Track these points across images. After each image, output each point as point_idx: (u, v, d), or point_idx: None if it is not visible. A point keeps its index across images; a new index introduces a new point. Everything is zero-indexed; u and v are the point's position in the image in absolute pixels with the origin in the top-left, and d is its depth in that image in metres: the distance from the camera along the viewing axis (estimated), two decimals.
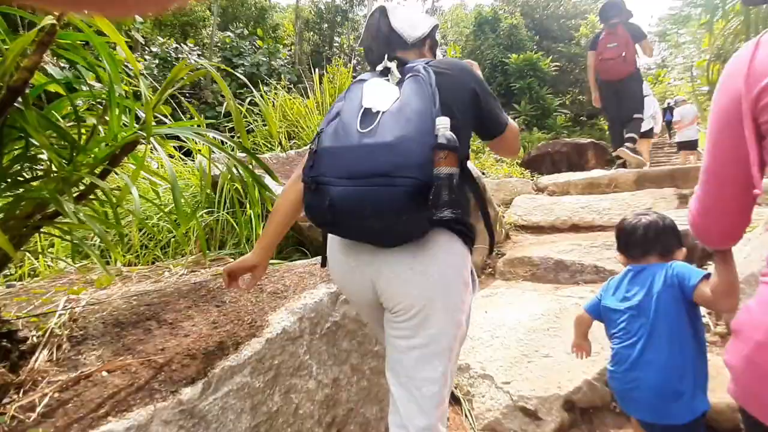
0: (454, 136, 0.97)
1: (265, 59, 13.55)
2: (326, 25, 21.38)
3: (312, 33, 20.59)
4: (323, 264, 1.27)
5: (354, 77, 2.95)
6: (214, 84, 10.95)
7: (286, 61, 14.64)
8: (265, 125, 4.78)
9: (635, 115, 4.54)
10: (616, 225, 1.57)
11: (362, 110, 1.05)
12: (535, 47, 15.44)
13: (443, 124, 0.98)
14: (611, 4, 4.51)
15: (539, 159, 12.15)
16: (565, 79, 16.12)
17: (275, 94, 5.33)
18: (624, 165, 4.90)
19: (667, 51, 40.61)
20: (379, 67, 1.18)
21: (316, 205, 1.04)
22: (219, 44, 13.74)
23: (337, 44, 21.73)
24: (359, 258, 1.13)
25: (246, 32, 14.73)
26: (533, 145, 12.44)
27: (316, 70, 5.38)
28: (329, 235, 1.22)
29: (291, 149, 4.03)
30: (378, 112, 1.02)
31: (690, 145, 9.75)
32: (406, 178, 0.94)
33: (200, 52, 12.32)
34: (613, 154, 4.96)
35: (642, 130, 5.03)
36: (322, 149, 1.05)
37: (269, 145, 4.48)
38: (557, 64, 14.89)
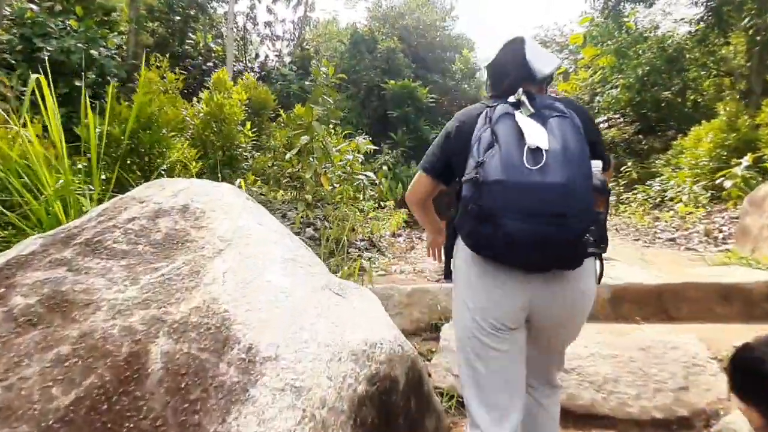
0: (606, 179, 1.19)
1: (81, 45, 10.21)
2: (178, 18, 18.11)
3: (158, 23, 17.17)
4: (447, 276, 1.42)
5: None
6: None
7: (114, 51, 11.37)
8: None
9: None
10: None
11: (526, 147, 1.08)
12: (412, 75, 14.77)
13: (597, 167, 1.14)
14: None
15: None
16: (439, 110, 15.84)
17: None
18: None
19: None
20: (512, 99, 1.23)
21: (486, 235, 1.11)
22: (15, 17, 9.98)
23: (192, 41, 18.69)
24: (509, 280, 1.19)
25: (59, 8, 11.06)
26: (411, 180, 11.51)
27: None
28: (463, 253, 1.27)
29: None
30: (541, 150, 1.07)
31: None
32: (580, 220, 1.06)
33: None
34: None
35: None
36: (493, 181, 1.08)
37: None
38: (433, 96, 14.40)
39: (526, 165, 1.06)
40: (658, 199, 8.41)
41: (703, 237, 4.70)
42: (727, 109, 5.97)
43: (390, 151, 11.96)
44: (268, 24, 20.41)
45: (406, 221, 9.78)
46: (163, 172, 2.82)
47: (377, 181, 9.52)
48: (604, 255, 1.22)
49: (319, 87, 4.32)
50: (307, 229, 3.89)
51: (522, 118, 1.14)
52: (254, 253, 1.60)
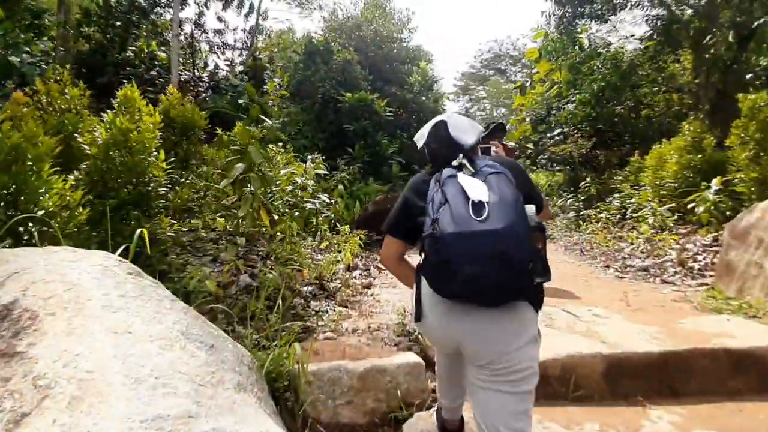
0: (540, 219, 1.39)
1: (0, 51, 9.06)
2: (118, 23, 16.94)
3: (94, 29, 15.97)
4: (417, 319, 1.52)
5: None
6: None
7: (39, 58, 10.21)
8: None
9: None
10: None
11: (470, 201, 1.27)
12: (369, 87, 14.31)
13: (531, 211, 1.33)
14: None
15: (378, 217, 10.66)
16: (397, 123, 15.45)
17: None
18: None
19: (470, 103, 47.12)
20: (455, 163, 1.46)
21: (446, 280, 1.29)
22: None
23: (135, 49, 17.53)
24: (454, 315, 1.38)
25: None
26: (370, 199, 10.92)
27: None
28: (425, 291, 1.45)
29: None
30: (483, 203, 1.26)
31: None
32: (522, 256, 1.23)
33: None
34: None
35: None
36: (447, 234, 1.25)
37: None
38: (391, 108, 13.99)
39: (473, 216, 1.24)
40: (618, 216, 8.29)
41: (677, 266, 4.43)
42: (691, 128, 5.83)
43: (347, 167, 11.38)
44: (218, 32, 19.44)
45: (363, 244, 9.21)
46: (30, 227, 2.12)
47: (333, 200, 8.90)
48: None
49: (255, 107, 3.72)
50: (242, 277, 3.24)
51: (464, 178, 1.35)
52: (98, 413, 0.96)
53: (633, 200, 7.76)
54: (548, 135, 14.03)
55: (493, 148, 2.09)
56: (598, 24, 10.35)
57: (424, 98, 15.97)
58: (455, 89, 38.55)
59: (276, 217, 5.09)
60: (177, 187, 3.44)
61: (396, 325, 2.87)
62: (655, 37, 10.72)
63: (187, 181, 3.81)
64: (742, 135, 4.62)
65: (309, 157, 7.47)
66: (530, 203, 1.36)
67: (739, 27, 10.17)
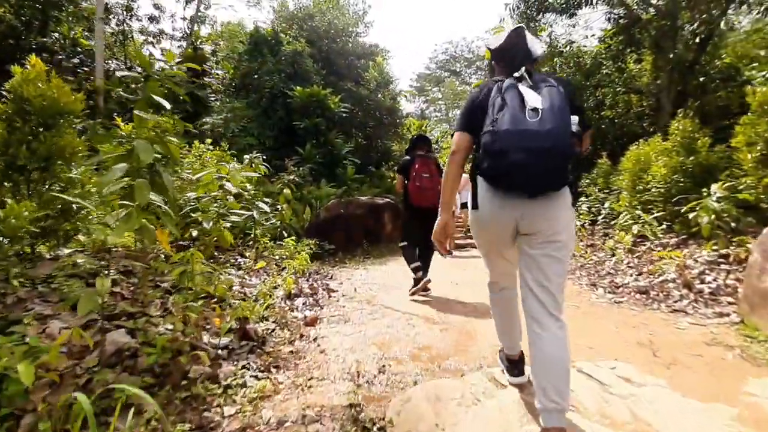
0: (579, 128, 1.70)
1: None
2: (38, 5, 15.09)
3: (4, 9, 14.09)
4: (474, 206, 1.83)
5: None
6: None
7: None
8: None
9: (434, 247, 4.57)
10: None
11: (527, 107, 1.58)
12: (322, 82, 13.24)
13: (574, 121, 1.61)
14: (422, 137, 4.64)
15: (331, 224, 9.58)
16: (352, 122, 14.45)
17: None
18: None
19: (425, 104, 47.06)
20: (517, 74, 1.73)
21: (499, 165, 1.60)
22: None
23: (59, 34, 15.76)
24: (508, 203, 1.71)
25: None
26: (322, 204, 9.85)
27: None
28: (481, 188, 1.80)
29: None
30: (537, 109, 1.56)
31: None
32: (561, 152, 1.55)
33: None
34: (411, 291, 4.42)
35: None
36: (504, 131, 1.57)
37: None
38: (346, 105, 12.99)
39: (528, 118, 1.56)
40: (587, 221, 7.75)
41: (682, 288, 3.77)
42: (680, 127, 5.23)
43: (296, 169, 10.26)
44: (153, 19, 17.67)
45: (315, 255, 8.18)
46: None
47: (279, 207, 7.80)
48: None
49: (152, 82, 2.61)
50: (114, 335, 2.16)
51: (524, 88, 1.65)
52: None
53: (605, 205, 7.20)
54: None
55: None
56: (563, 18, 9.85)
57: (380, 95, 15.08)
58: (411, 89, 38.05)
59: (195, 233, 3.98)
60: (10, 201, 2.30)
61: (345, 411, 1.90)
62: (617, 36, 10.39)
63: (42, 191, 2.66)
64: (751, 134, 4.03)
65: (246, 157, 6.34)
66: (575, 114, 1.67)
67: (699, 27, 10.05)
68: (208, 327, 2.62)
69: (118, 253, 3.14)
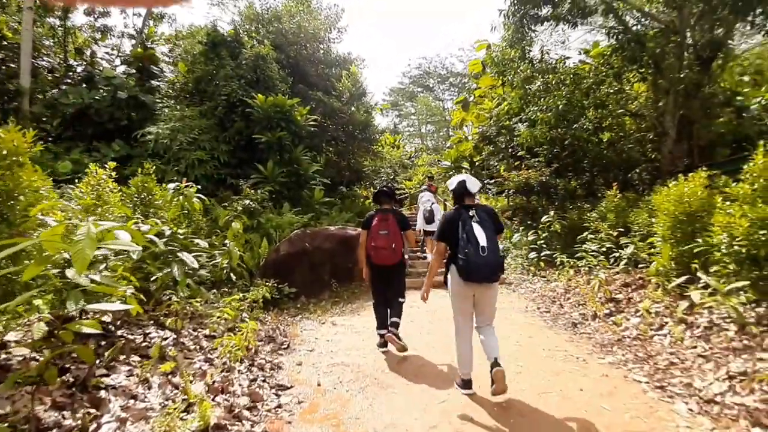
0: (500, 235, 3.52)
1: None
2: None
3: None
4: (446, 283, 3.58)
5: None
6: None
7: None
8: None
9: (401, 299, 4.64)
10: None
11: (480, 244, 3.19)
12: (288, 91, 11.68)
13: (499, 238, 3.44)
14: (384, 192, 4.80)
15: (293, 260, 7.95)
16: (322, 136, 12.95)
17: None
18: (385, 344, 4.63)
19: (398, 119, 46.10)
20: (471, 212, 3.39)
21: (469, 271, 3.19)
22: None
23: None
24: (470, 285, 3.31)
25: None
26: (283, 234, 8.23)
27: None
28: (454, 274, 3.39)
29: None
30: (485, 248, 3.18)
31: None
32: (498, 267, 3.23)
33: None
34: (379, 342, 4.69)
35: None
36: (472, 259, 3.16)
37: None
38: (315, 117, 11.47)
39: (481, 254, 3.15)
40: (596, 265, 6.52)
41: None
42: (761, 164, 3.92)
43: (255, 192, 8.63)
44: (103, 14, 15.71)
45: (271, 301, 6.54)
46: None
47: (227, 245, 6.15)
48: None
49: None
50: None
51: (476, 227, 3.28)
52: None
53: (628, 250, 5.96)
54: (495, 159, 12.37)
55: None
56: (565, 26, 8.77)
57: (353, 108, 13.66)
58: (385, 103, 36.98)
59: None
60: None
61: None
62: (617, 52, 9.41)
63: None
64: None
65: (171, 186, 4.71)
66: (499, 229, 3.40)
67: (702, 47, 9.24)
68: None
69: None
